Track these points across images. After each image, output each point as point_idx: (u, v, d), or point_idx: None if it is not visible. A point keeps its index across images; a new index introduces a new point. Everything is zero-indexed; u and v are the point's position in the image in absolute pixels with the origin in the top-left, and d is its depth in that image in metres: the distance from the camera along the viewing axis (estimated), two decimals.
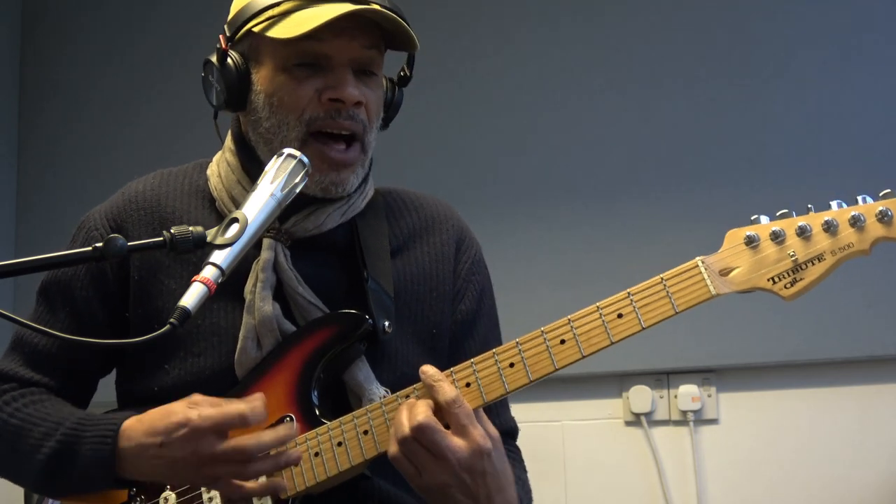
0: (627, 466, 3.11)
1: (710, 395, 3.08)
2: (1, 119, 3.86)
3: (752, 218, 1.41)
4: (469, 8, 3.42)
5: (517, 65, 3.33)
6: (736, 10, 3.14)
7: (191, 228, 1.29)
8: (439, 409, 1.42)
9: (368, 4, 1.53)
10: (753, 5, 3.13)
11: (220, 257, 1.28)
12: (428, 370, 1.45)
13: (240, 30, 1.55)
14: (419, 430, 1.39)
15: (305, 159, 1.42)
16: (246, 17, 1.55)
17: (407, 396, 1.47)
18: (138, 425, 1.45)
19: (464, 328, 1.69)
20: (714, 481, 3.05)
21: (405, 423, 1.40)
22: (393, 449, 1.42)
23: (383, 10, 1.54)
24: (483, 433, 1.41)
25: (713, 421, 3.08)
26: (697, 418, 3.07)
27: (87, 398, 1.70)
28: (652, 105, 3.17)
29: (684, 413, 3.08)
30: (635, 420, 3.13)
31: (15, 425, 1.56)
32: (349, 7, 1.50)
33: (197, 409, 1.40)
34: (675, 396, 3.10)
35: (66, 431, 1.51)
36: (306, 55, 1.52)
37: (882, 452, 2.91)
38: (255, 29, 1.53)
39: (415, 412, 1.41)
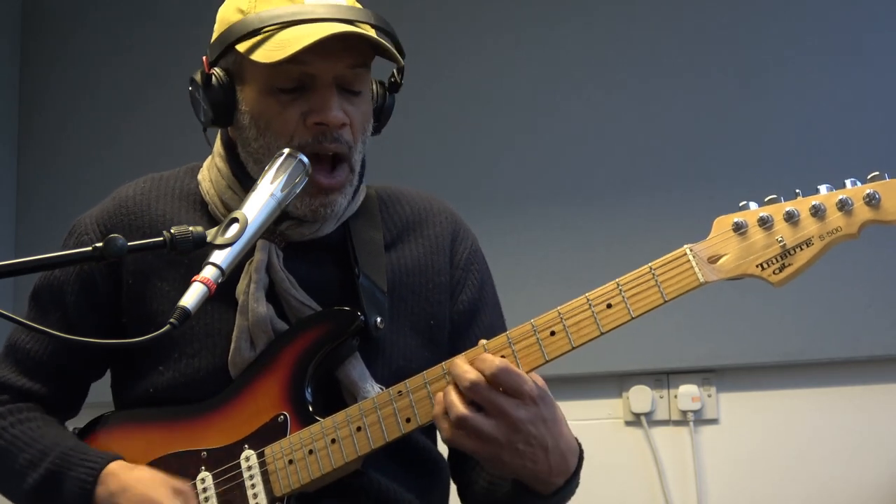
0: (627, 466, 3.11)
1: (710, 395, 3.08)
2: (1, 119, 3.86)
3: (741, 204, 1.40)
4: (468, 7, 3.42)
5: (516, 65, 3.32)
6: (734, 11, 3.14)
7: (191, 228, 1.29)
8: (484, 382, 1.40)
9: (353, 23, 1.51)
10: (751, 5, 3.14)
11: (220, 257, 1.28)
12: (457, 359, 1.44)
13: (225, 51, 1.53)
14: (473, 390, 1.38)
15: (305, 159, 1.43)
16: (231, 39, 1.52)
17: (399, 392, 1.47)
18: (121, 476, 1.51)
19: (467, 317, 1.69)
20: (714, 481, 3.04)
21: (456, 402, 1.39)
22: (447, 433, 1.41)
23: (366, 30, 1.52)
24: (531, 382, 1.40)
25: (713, 421, 3.08)
26: (697, 418, 3.07)
27: (80, 403, 1.72)
28: (651, 104, 3.17)
29: (684, 413, 3.08)
30: (635, 420, 3.13)
31: (2, 446, 1.59)
32: (332, 29, 1.47)
33: (176, 501, 1.47)
34: (675, 396, 3.10)
35: (50, 466, 1.54)
36: (290, 77, 1.50)
37: (882, 452, 2.91)
38: (241, 49, 1.51)
39: (463, 380, 1.39)
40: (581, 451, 1.50)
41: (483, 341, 1.45)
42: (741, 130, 3.08)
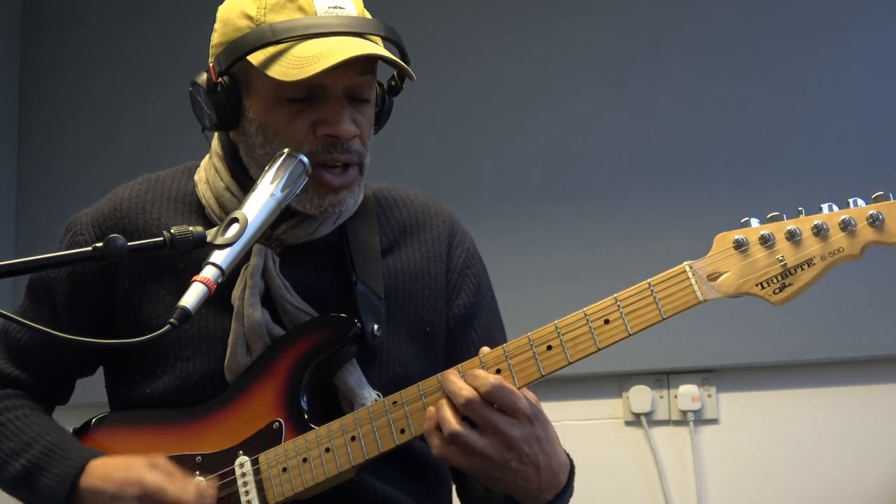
0: (627, 466, 3.11)
1: (710, 395, 3.08)
2: (1, 119, 3.86)
3: (742, 221, 1.39)
4: (468, 7, 3.42)
5: (515, 64, 3.32)
6: (734, 11, 3.14)
7: (191, 228, 1.29)
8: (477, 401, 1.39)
9: (364, 35, 1.50)
10: (751, 5, 3.13)
11: (220, 257, 1.28)
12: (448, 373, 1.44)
13: (236, 62, 1.50)
14: (468, 407, 1.37)
15: (305, 159, 1.42)
16: (243, 50, 1.49)
17: (395, 403, 1.46)
18: (100, 468, 1.51)
19: (465, 322, 1.68)
20: (714, 481, 3.04)
21: (450, 417, 1.39)
22: (439, 448, 1.41)
23: (377, 42, 1.52)
24: (525, 400, 1.40)
25: (713, 421, 3.08)
26: (697, 418, 3.07)
27: (66, 397, 1.73)
28: (650, 105, 3.17)
29: (684, 413, 3.08)
30: (635, 420, 3.13)
31: None
32: (348, 50, 1.45)
33: (154, 473, 1.46)
34: (675, 396, 3.10)
35: (32, 459, 1.55)
36: (302, 88, 1.48)
37: (882, 452, 2.91)
38: (253, 61, 1.49)
39: (458, 398, 1.39)
40: (572, 467, 1.49)
41: (482, 350, 1.45)
42: (741, 131, 3.08)
